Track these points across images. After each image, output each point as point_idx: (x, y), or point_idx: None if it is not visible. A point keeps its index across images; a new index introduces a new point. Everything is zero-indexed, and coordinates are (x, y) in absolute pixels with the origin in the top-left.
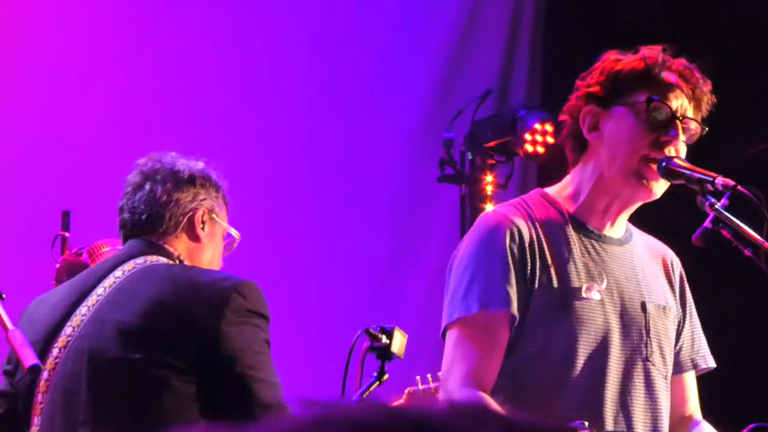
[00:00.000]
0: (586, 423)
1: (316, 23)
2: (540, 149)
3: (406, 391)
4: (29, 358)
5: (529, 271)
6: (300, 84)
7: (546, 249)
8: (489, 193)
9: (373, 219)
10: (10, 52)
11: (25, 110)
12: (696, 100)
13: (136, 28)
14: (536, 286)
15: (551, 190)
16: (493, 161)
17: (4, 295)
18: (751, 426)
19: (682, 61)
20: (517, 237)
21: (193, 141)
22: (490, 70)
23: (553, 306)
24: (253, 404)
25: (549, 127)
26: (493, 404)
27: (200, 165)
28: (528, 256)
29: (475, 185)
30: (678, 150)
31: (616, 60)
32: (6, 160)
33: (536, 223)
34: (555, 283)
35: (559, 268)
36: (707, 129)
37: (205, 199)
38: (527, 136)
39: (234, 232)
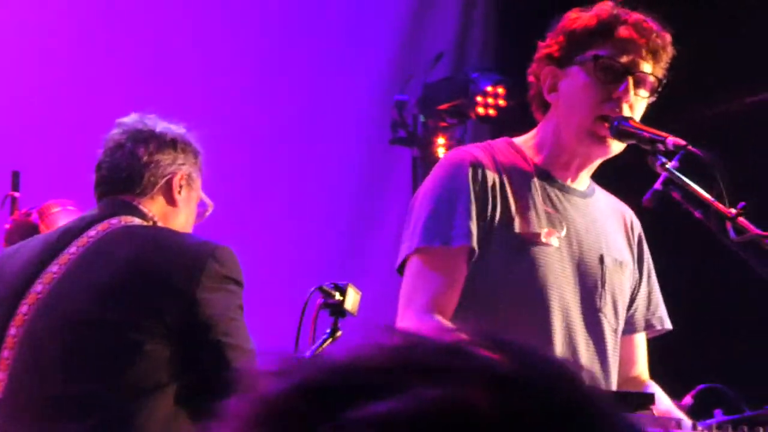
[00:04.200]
0: None
1: None
2: (492, 112)
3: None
4: None
5: (490, 209)
6: (257, 45)
7: (509, 192)
8: (441, 155)
9: (328, 181)
10: None
11: None
12: (652, 53)
13: None
14: (496, 225)
15: (518, 140)
16: (446, 124)
17: None
18: (700, 386)
19: (637, 15)
20: (480, 174)
21: (149, 104)
22: (445, 33)
23: (512, 248)
24: (227, 370)
25: (501, 90)
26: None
27: (182, 130)
28: (490, 195)
29: (427, 148)
30: (632, 106)
31: (572, 19)
32: None
33: (500, 166)
34: (516, 227)
35: (521, 212)
36: (665, 82)
37: (184, 164)
38: (479, 99)
39: (208, 201)
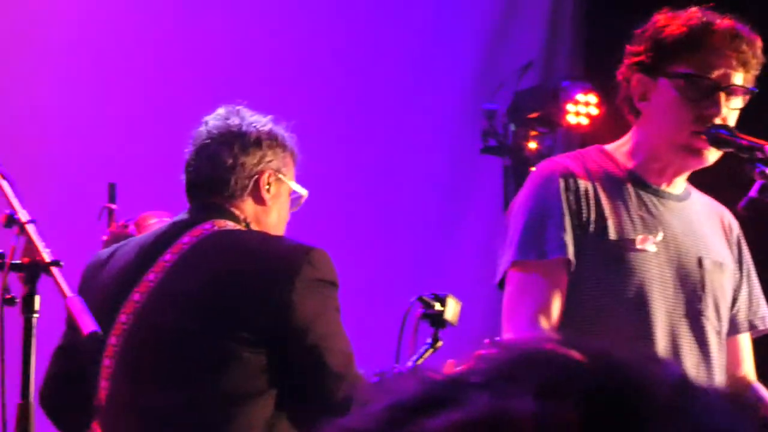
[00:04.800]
0: None
1: None
2: (583, 120)
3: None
4: (88, 324)
5: (584, 219)
6: (346, 56)
7: (602, 199)
8: (532, 164)
9: (417, 190)
10: (58, 23)
11: (73, 82)
12: (743, 63)
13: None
14: (591, 234)
15: (609, 147)
16: (536, 132)
17: (62, 263)
18: None
19: (727, 22)
20: (572, 184)
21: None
22: (533, 41)
23: (608, 256)
24: (324, 375)
25: (592, 98)
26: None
27: (268, 124)
28: (583, 204)
29: (517, 156)
30: (725, 119)
31: (662, 25)
32: (53, 133)
33: (592, 175)
34: (610, 234)
35: (615, 219)
36: (756, 90)
37: (271, 161)
38: (570, 107)
39: (301, 190)
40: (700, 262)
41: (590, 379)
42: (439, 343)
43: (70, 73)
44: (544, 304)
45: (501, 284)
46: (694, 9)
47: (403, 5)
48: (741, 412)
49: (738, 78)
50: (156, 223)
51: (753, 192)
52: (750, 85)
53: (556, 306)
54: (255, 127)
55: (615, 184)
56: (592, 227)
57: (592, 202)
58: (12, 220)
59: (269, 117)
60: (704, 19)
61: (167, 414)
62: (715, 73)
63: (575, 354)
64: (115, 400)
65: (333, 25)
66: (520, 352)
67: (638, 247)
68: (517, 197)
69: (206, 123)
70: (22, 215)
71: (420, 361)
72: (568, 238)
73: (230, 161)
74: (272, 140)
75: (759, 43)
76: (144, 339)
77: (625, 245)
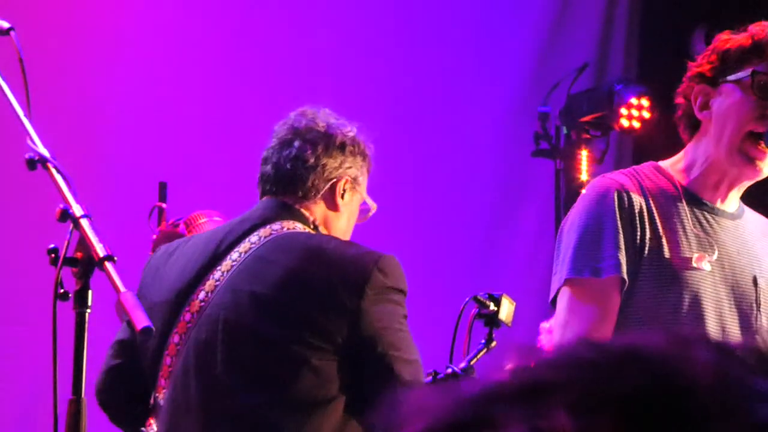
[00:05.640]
0: None
1: None
2: (636, 124)
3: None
4: (141, 319)
5: (638, 237)
6: (401, 58)
7: (656, 217)
8: (584, 167)
9: (470, 193)
10: (109, 22)
11: (123, 82)
12: None
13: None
14: (646, 253)
15: (664, 163)
16: (589, 136)
17: (115, 258)
18: None
19: None
20: (626, 201)
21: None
22: (587, 44)
23: (663, 275)
24: (394, 383)
25: (645, 102)
26: None
27: (353, 130)
28: (638, 221)
29: (570, 160)
30: None
31: (725, 39)
32: (104, 132)
33: (647, 192)
34: (665, 252)
35: (670, 238)
36: None
37: (351, 168)
38: (623, 111)
39: (371, 203)
40: (755, 281)
41: (623, 383)
42: (493, 344)
43: (126, 71)
44: (595, 323)
45: (554, 302)
46: (758, 24)
47: (458, 7)
48: None
49: None
50: (206, 222)
51: None
52: None
53: (608, 325)
54: (341, 131)
55: (670, 201)
56: (647, 245)
57: (646, 219)
58: (66, 214)
59: (356, 124)
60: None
61: (236, 418)
62: None
63: (605, 355)
64: (177, 399)
65: (389, 27)
66: (550, 361)
67: (694, 265)
68: (570, 213)
69: (291, 118)
70: (77, 210)
71: (474, 361)
72: (623, 257)
73: (312, 160)
74: (355, 147)
75: None
76: (211, 340)
77: (680, 264)
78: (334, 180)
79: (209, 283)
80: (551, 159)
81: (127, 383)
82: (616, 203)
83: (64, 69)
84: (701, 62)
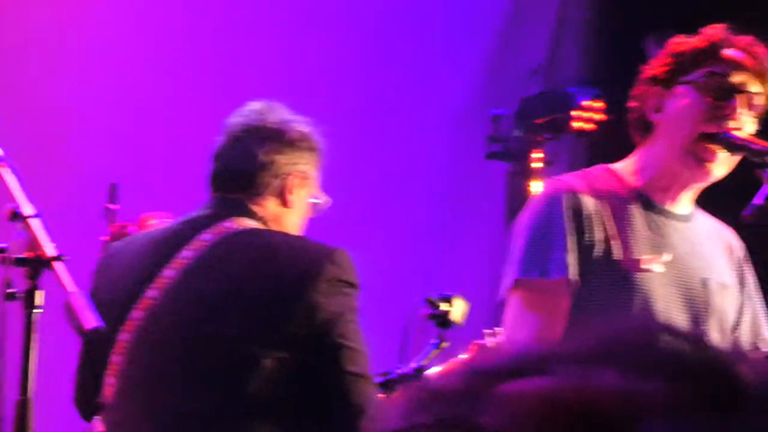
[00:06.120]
0: None
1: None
2: (590, 126)
3: (473, 343)
4: (90, 319)
5: (588, 240)
6: (351, 59)
7: (608, 219)
8: (537, 170)
9: (422, 194)
10: (59, 24)
11: (73, 83)
12: (761, 76)
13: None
14: (596, 255)
15: (616, 166)
16: (542, 138)
17: (65, 257)
18: None
19: (746, 38)
20: (576, 204)
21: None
22: (539, 46)
23: (614, 277)
24: (339, 373)
25: (599, 104)
26: None
27: (304, 126)
28: (588, 223)
29: (523, 162)
30: (741, 127)
31: (679, 42)
32: (55, 133)
33: (598, 194)
34: (616, 254)
35: (621, 239)
36: None
37: (301, 163)
38: (577, 113)
39: (323, 197)
40: (704, 283)
41: (680, 361)
42: (445, 344)
43: (76, 73)
44: (544, 324)
45: (503, 302)
46: (712, 27)
47: (410, 10)
48: None
49: (755, 89)
50: (157, 224)
51: (758, 199)
52: (766, 100)
53: (557, 327)
54: (292, 126)
55: (621, 203)
56: (597, 247)
57: (597, 221)
58: (16, 214)
59: (305, 118)
60: (723, 35)
61: (186, 419)
62: (735, 78)
63: (664, 338)
64: (126, 399)
65: (339, 29)
66: (609, 334)
67: (644, 267)
68: (521, 215)
69: (241, 114)
70: (27, 209)
71: (425, 362)
72: (572, 259)
73: (262, 158)
74: (305, 143)
75: None
76: (161, 339)
77: (631, 265)
78: (285, 176)
79: (160, 281)
80: (505, 161)
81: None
82: (566, 205)
83: (14, 69)
84: (655, 65)
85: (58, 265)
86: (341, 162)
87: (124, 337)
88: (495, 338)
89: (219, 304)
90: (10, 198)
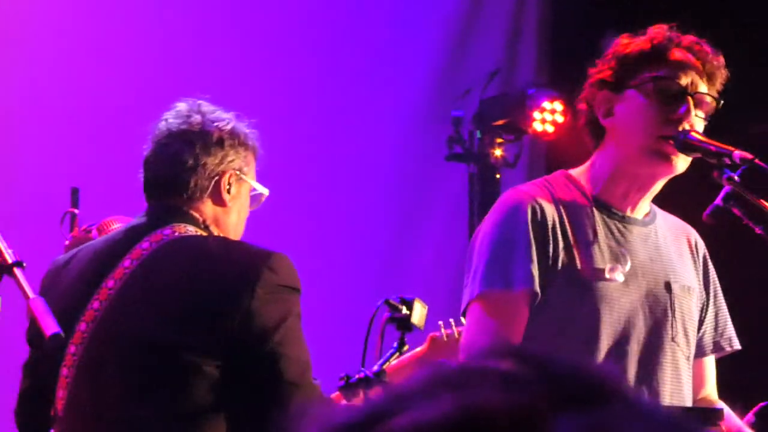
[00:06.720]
0: None
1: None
2: (549, 128)
3: (428, 336)
4: (50, 326)
5: (551, 250)
6: (305, 61)
7: (569, 229)
8: (497, 171)
9: (382, 196)
10: (12, 27)
11: (32, 87)
12: (708, 75)
13: None
14: (559, 265)
15: (575, 172)
16: (502, 140)
17: (24, 264)
18: (762, 404)
19: (691, 37)
20: (539, 214)
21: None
22: (497, 47)
23: (577, 287)
24: (279, 383)
25: (558, 106)
26: None
27: (230, 122)
28: (550, 234)
29: (483, 164)
30: (693, 125)
31: (625, 44)
32: (14, 136)
33: (559, 203)
34: (578, 264)
35: (583, 249)
36: (722, 102)
37: (233, 160)
38: (536, 115)
39: (262, 189)
40: (668, 287)
41: (536, 378)
42: (406, 347)
43: (35, 75)
44: (504, 336)
45: (464, 313)
46: (656, 27)
47: (366, 10)
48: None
49: (704, 88)
50: (119, 228)
51: (718, 200)
52: (716, 97)
53: (516, 337)
54: (217, 126)
55: (581, 212)
56: (560, 257)
57: (559, 231)
58: None
59: (231, 114)
60: (668, 35)
61: (126, 428)
62: (683, 80)
63: (513, 365)
64: (74, 410)
65: (296, 28)
66: (465, 364)
67: (607, 276)
68: (481, 226)
69: (166, 119)
70: None
71: (386, 365)
72: (535, 270)
73: (191, 161)
74: (234, 139)
75: (722, 60)
76: (104, 349)
77: (593, 275)
78: (218, 176)
79: (102, 292)
80: (465, 163)
81: (37, 406)
82: (529, 216)
83: None
84: (602, 68)
85: (17, 272)
86: (300, 165)
87: (71, 349)
88: (450, 330)
89: (157, 313)
90: None
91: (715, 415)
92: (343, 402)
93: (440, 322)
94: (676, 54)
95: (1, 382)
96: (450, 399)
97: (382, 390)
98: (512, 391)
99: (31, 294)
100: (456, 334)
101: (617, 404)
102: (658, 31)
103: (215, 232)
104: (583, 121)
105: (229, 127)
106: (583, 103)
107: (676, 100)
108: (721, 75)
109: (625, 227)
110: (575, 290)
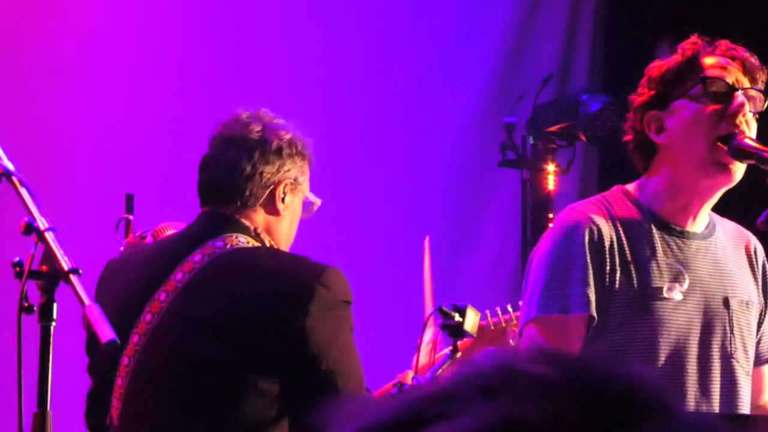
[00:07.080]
0: None
1: (381, 6)
2: (602, 134)
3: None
4: (106, 332)
5: (608, 271)
6: (363, 68)
7: (626, 248)
8: (551, 177)
9: (436, 202)
10: (75, 35)
11: (90, 93)
12: (749, 73)
13: (201, 7)
14: (616, 286)
15: (632, 188)
16: (555, 146)
17: (80, 271)
18: None
19: (724, 42)
20: (596, 235)
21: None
22: (551, 54)
23: (634, 306)
24: (336, 398)
25: (611, 112)
26: None
27: (289, 132)
28: (607, 255)
29: (536, 170)
30: (748, 122)
31: (658, 66)
32: (70, 143)
33: (617, 222)
34: (635, 284)
35: (640, 268)
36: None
37: (289, 170)
38: (589, 121)
39: (315, 199)
40: (726, 302)
41: (570, 389)
42: (459, 354)
43: (91, 83)
44: None
45: (521, 333)
46: (685, 42)
47: (423, 17)
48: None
49: (748, 84)
50: (174, 234)
51: None
52: (762, 95)
53: None
54: (276, 134)
55: (639, 229)
56: (617, 278)
57: (616, 252)
58: (31, 227)
59: (290, 123)
60: (700, 44)
61: None
62: (729, 78)
63: (548, 369)
64: (129, 422)
65: (353, 36)
66: (495, 365)
67: (665, 296)
68: (538, 246)
69: (226, 125)
70: (41, 223)
71: (440, 372)
72: (591, 294)
73: (249, 169)
74: (292, 148)
75: (758, 61)
76: (158, 363)
77: (651, 294)
78: (273, 186)
79: (154, 305)
80: (518, 169)
81: (100, 407)
82: (586, 238)
83: (28, 81)
84: (643, 91)
85: (73, 278)
86: (355, 171)
87: (124, 360)
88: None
89: (210, 330)
90: (25, 212)
91: (747, 420)
92: None
93: (487, 311)
94: (714, 59)
95: (59, 387)
96: (491, 409)
97: (421, 387)
98: (551, 402)
99: (87, 301)
100: (503, 323)
101: (655, 420)
102: (688, 45)
103: (266, 240)
104: (632, 147)
105: (287, 136)
106: (629, 130)
107: (727, 96)
108: (762, 74)
109: (684, 242)
110: (632, 311)
